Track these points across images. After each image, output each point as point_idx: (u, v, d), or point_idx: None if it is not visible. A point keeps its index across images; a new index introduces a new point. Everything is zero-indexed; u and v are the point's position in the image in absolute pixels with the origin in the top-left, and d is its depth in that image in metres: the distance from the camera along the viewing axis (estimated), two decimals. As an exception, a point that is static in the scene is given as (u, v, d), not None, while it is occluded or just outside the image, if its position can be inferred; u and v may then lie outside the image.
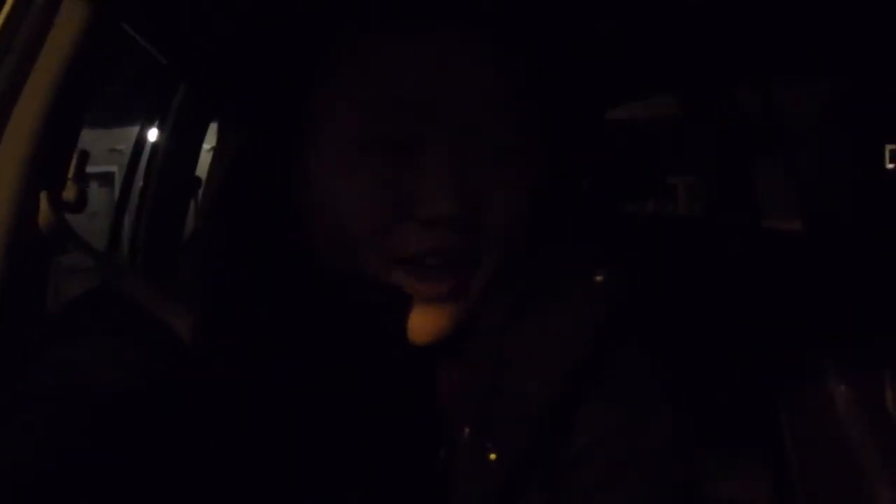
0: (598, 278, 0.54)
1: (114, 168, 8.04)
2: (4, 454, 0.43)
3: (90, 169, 0.77)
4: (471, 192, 0.48)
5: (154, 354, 0.48)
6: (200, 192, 1.52)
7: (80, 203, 0.73)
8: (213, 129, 1.48)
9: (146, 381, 0.47)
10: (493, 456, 0.50)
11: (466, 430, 0.51)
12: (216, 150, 1.36)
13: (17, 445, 0.44)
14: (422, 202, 0.47)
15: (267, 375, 0.49)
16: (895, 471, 0.72)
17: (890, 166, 1.57)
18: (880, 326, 0.81)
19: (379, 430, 0.50)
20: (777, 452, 0.67)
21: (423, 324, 0.50)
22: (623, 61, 1.54)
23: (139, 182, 1.59)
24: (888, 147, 1.57)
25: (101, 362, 0.47)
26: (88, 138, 1.02)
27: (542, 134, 0.52)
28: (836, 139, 1.58)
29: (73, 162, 0.74)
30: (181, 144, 1.49)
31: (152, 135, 1.63)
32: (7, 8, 0.70)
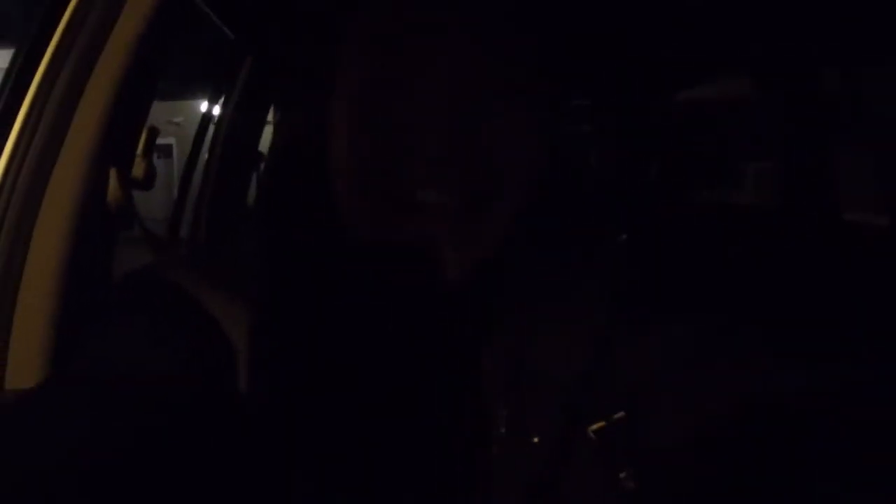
0: (623, 238, 0.56)
1: (171, 140, 8.19)
2: (51, 437, 0.45)
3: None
4: (472, 127, 0.47)
5: (198, 358, 0.50)
6: (262, 166, 1.52)
7: (149, 180, 0.71)
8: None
9: (189, 381, 0.50)
10: (535, 439, 0.50)
11: (504, 410, 0.51)
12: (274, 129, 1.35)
13: (65, 428, 0.46)
14: (424, 137, 0.47)
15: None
16: None
17: None
18: None
19: (420, 403, 0.51)
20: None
21: (454, 259, 0.49)
22: (688, 39, 1.46)
23: (203, 156, 1.59)
24: None
25: (152, 355, 0.50)
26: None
27: (545, 76, 0.51)
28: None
29: (143, 137, 0.73)
30: (245, 120, 1.48)
31: (216, 110, 1.63)
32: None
